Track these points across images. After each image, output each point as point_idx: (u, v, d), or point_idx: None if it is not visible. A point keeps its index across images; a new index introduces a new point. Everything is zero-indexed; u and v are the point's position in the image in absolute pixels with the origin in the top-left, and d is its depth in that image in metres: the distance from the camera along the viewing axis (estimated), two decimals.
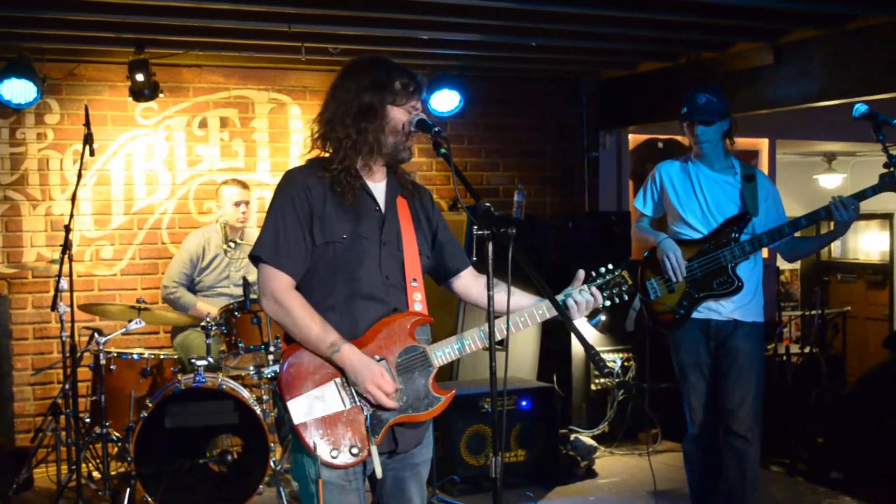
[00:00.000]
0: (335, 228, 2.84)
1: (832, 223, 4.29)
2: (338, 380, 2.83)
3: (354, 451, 2.81)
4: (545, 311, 2.98)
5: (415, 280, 2.97)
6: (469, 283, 3.18)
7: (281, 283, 2.82)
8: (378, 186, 2.97)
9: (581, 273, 3.04)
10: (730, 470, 4.43)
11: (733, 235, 4.35)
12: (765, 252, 4.79)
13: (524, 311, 2.98)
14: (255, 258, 2.86)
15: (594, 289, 3.02)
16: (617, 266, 3.10)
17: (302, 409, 2.79)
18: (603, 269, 3.09)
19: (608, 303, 3.08)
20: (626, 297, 3.10)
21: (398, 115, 2.89)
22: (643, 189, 4.72)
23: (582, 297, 3.00)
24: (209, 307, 5.82)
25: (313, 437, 2.78)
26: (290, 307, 2.79)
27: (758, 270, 4.49)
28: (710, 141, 4.43)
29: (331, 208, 2.85)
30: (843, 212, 4.13)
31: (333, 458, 2.79)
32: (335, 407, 2.82)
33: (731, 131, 4.51)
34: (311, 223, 2.84)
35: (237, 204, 6.01)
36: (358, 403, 2.83)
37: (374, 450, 2.81)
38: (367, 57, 3.00)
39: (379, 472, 2.82)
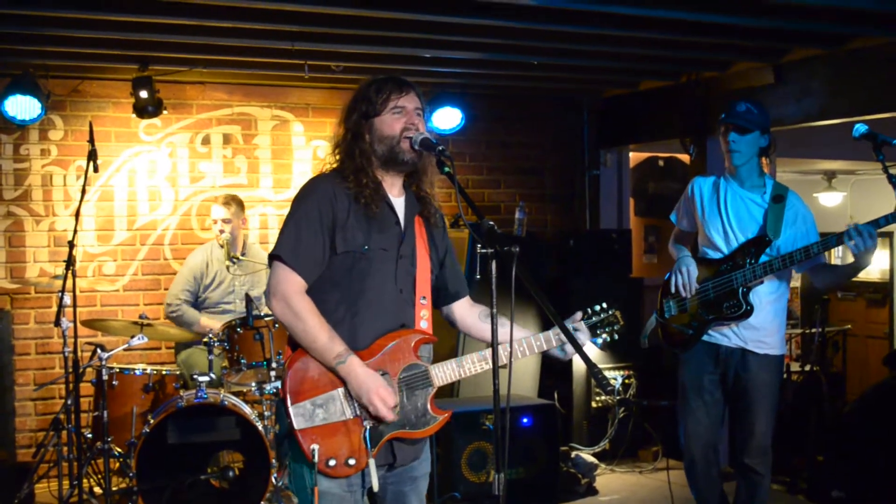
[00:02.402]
0: (357, 239, 2.88)
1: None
2: (341, 389, 2.84)
3: (351, 461, 2.83)
4: (542, 342, 3.07)
5: (423, 298, 3.02)
6: (466, 310, 3.22)
7: (294, 285, 2.84)
8: (398, 201, 3.01)
9: (578, 314, 3.11)
10: (741, 496, 4.42)
11: (749, 259, 4.21)
12: None
13: (522, 340, 3.05)
14: (273, 257, 2.88)
15: (587, 328, 3.11)
16: (611, 305, 3.16)
17: (304, 414, 2.81)
18: (598, 308, 3.16)
19: (599, 341, 3.16)
20: (616, 337, 3.16)
21: (382, 123, 2.93)
22: (679, 201, 4.66)
23: (579, 336, 3.07)
24: (213, 322, 5.83)
25: (312, 444, 2.79)
26: (299, 311, 2.81)
27: (779, 301, 4.33)
28: (741, 151, 4.24)
29: (354, 218, 2.88)
30: (859, 241, 3.92)
31: (330, 466, 2.81)
32: (336, 416, 2.83)
33: (768, 149, 4.31)
34: (333, 232, 2.87)
35: (215, 222, 6.06)
36: (359, 415, 2.84)
37: (371, 462, 2.82)
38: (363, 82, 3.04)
39: (376, 486, 2.83)
